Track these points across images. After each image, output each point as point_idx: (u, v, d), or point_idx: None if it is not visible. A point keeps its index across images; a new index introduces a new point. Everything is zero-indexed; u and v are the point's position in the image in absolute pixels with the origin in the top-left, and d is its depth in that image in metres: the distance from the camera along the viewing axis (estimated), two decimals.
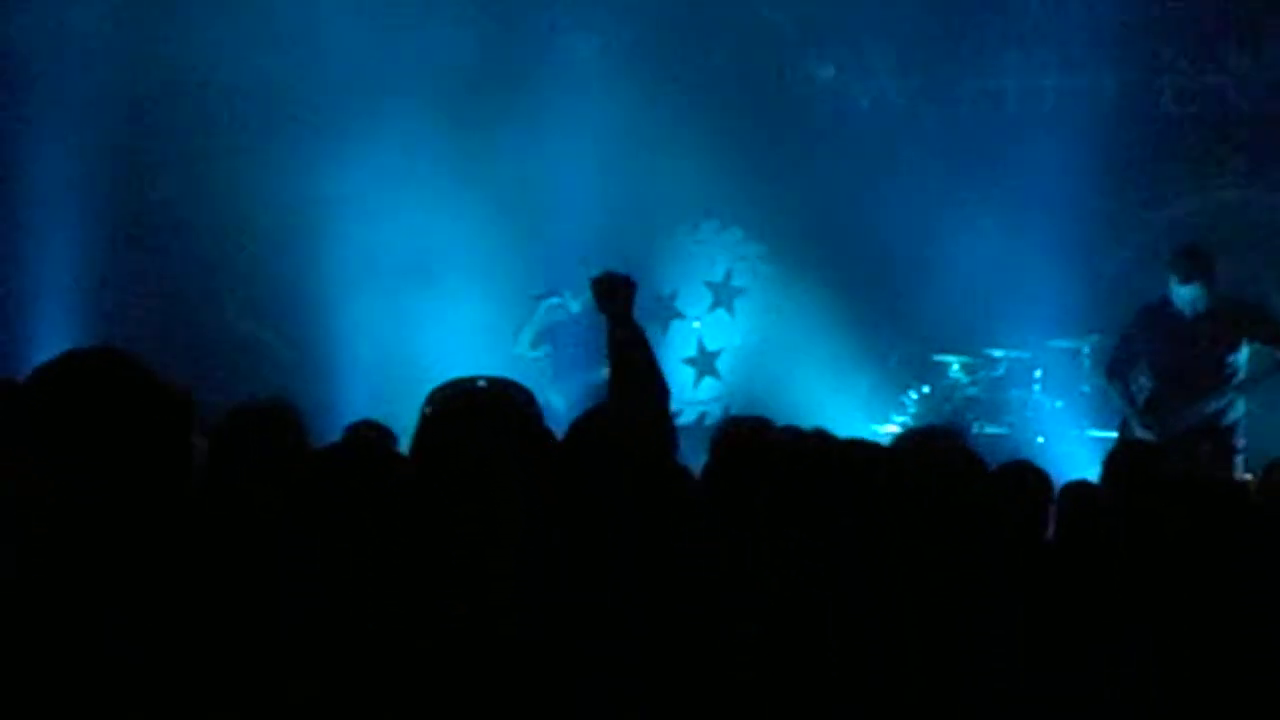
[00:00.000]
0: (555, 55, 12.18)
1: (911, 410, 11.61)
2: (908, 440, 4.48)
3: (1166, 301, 8.79)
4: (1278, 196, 11.71)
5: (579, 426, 3.78)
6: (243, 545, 3.31)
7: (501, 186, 11.73)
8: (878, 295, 12.09)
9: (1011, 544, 4.66)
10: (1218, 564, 4.33)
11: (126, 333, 10.52)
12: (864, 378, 11.96)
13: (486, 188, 11.66)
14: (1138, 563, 4.39)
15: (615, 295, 5.46)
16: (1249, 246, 11.11)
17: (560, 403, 10.26)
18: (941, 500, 3.81)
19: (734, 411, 10.11)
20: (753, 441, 4.90)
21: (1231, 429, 8.83)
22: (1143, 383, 9.06)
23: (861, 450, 4.69)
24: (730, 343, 12.94)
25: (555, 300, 10.20)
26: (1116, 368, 9.17)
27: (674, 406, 6.87)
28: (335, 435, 5.76)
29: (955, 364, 11.57)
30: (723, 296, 12.96)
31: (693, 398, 12.28)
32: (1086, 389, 10.90)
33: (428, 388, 3.32)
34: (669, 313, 12.76)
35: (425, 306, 11.89)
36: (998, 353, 11.41)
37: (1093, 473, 5.95)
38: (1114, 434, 9.16)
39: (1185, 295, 8.67)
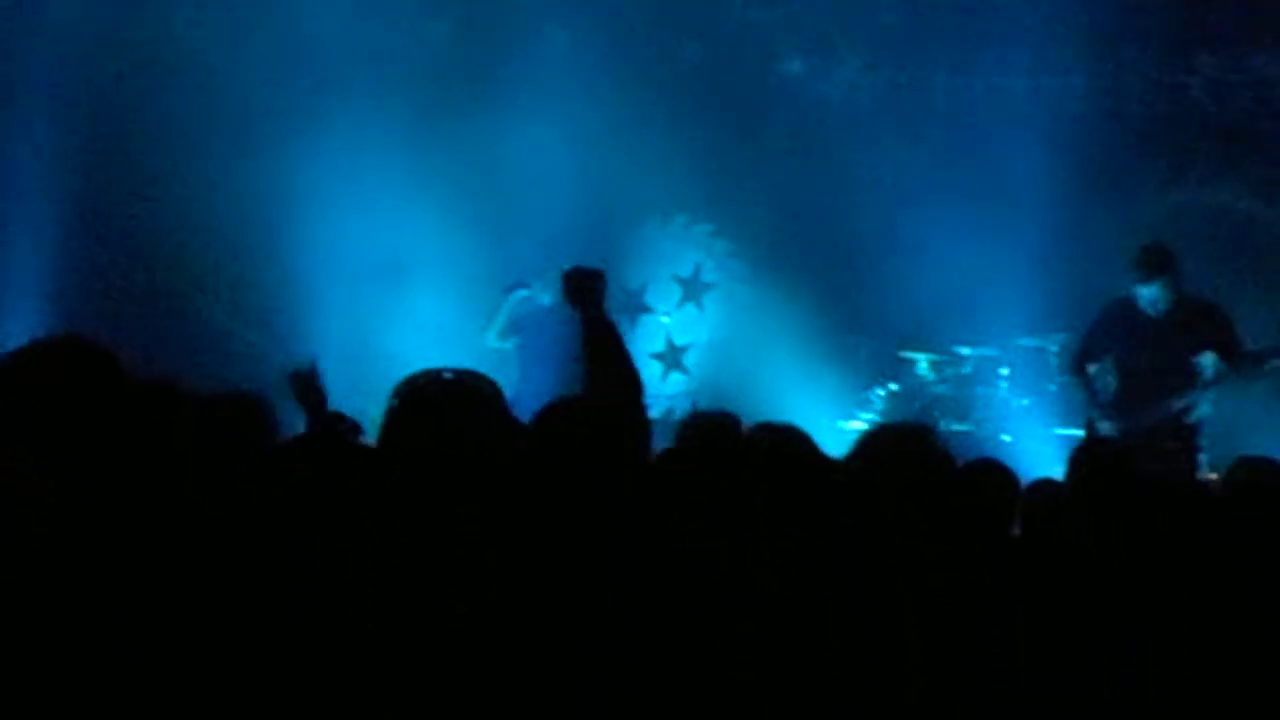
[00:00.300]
0: (526, 49, 12.16)
1: (879, 407, 11.65)
2: (882, 435, 4.47)
3: (1131, 300, 8.82)
4: (1244, 197, 11.77)
5: (545, 416, 3.76)
6: (214, 537, 3.30)
7: (472, 180, 11.71)
8: (846, 292, 12.12)
9: (1007, 543, 4.69)
10: (1182, 561, 4.37)
11: (96, 327, 10.43)
12: (832, 374, 11.97)
13: (457, 181, 11.64)
14: (1102, 560, 4.41)
15: (586, 288, 5.47)
16: (1215, 247, 11.16)
17: (529, 394, 10.23)
18: (936, 498, 3.82)
19: (701, 407, 10.10)
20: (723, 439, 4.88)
21: (1196, 428, 8.86)
22: (1109, 381, 9.08)
23: (859, 449, 4.66)
24: (698, 338, 12.94)
25: (525, 292, 10.17)
26: (1078, 362, 9.20)
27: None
28: (304, 427, 5.77)
29: (923, 361, 11.61)
30: (691, 292, 12.97)
31: (660, 392, 12.27)
32: (1053, 387, 10.95)
33: (397, 380, 3.33)
34: (638, 307, 12.76)
35: (396, 299, 11.88)
36: (965, 350, 11.46)
37: (1059, 471, 5.97)
38: (1080, 432, 9.19)
39: (1147, 295, 8.70)
